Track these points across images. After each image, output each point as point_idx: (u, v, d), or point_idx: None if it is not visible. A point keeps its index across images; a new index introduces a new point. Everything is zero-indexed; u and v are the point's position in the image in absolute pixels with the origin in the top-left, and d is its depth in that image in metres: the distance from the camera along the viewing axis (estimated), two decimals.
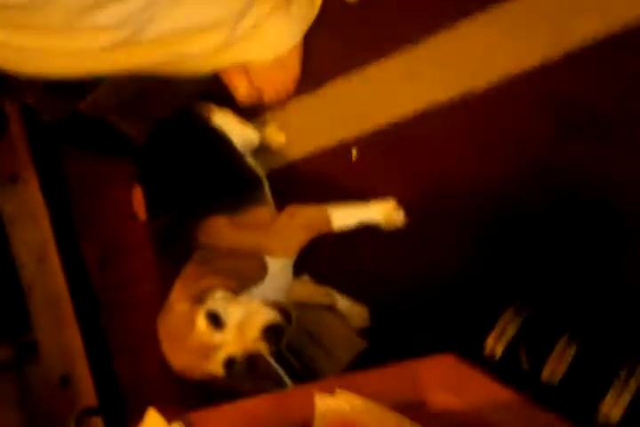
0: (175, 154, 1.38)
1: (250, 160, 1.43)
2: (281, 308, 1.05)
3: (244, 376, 1.04)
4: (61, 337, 1.71)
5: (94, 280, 1.84)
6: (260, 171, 1.43)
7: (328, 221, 1.30)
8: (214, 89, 1.54)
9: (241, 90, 1.54)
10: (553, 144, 1.25)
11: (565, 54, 1.24)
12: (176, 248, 1.20)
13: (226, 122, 1.44)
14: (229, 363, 1.02)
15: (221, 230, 1.20)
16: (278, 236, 1.23)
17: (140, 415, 1.08)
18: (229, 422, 0.99)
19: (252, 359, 1.03)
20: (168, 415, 1.07)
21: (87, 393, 1.67)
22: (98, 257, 1.86)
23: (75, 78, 1.30)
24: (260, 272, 1.18)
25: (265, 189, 1.35)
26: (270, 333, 0.99)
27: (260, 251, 1.19)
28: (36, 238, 1.82)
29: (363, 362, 1.31)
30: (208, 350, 1.02)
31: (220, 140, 1.41)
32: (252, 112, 1.60)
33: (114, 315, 1.80)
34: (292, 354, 1.35)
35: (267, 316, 1.01)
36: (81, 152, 1.80)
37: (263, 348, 1.00)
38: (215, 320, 1.02)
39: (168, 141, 1.42)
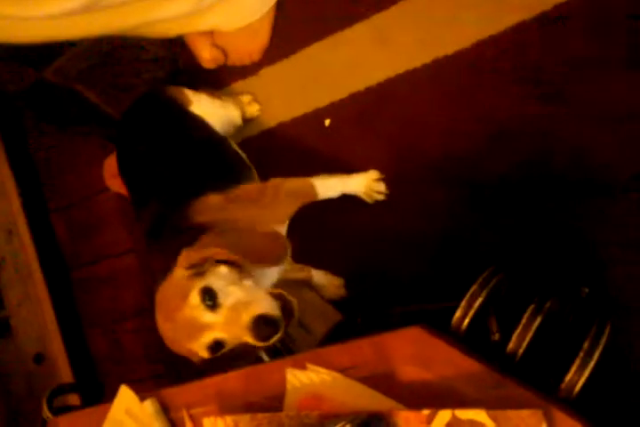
0: (152, 138, 1.34)
1: (234, 144, 1.40)
2: (285, 302, 0.98)
3: (225, 360, 1.00)
4: (34, 313, 1.70)
5: (66, 255, 1.82)
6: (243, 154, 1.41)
7: (313, 192, 1.29)
8: (180, 53, 1.52)
9: (204, 54, 1.51)
10: (523, 110, 1.24)
11: (536, 19, 1.22)
12: (169, 235, 1.15)
13: (204, 107, 1.40)
14: (215, 347, 0.97)
15: (216, 206, 1.16)
16: (267, 207, 1.21)
17: (115, 392, 1.09)
18: (202, 397, 0.99)
19: (241, 348, 0.98)
20: (141, 392, 1.07)
21: (63, 370, 1.67)
22: (69, 231, 1.84)
23: (41, 44, 1.26)
24: (278, 252, 1.11)
25: (253, 172, 1.33)
26: (261, 324, 0.92)
27: (255, 223, 1.15)
28: (4, 211, 1.78)
29: (338, 334, 1.31)
30: (195, 329, 0.96)
31: (200, 124, 1.38)
32: (223, 81, 1.57)
33: (86, 289, 1.79)
34: None
35: (264, 306, 0.94)
36: (49, 124, 1.76)
37: (249, 338, 0.93)
38: (210, 298, 0.95)
39: (143, 125, 1.38)
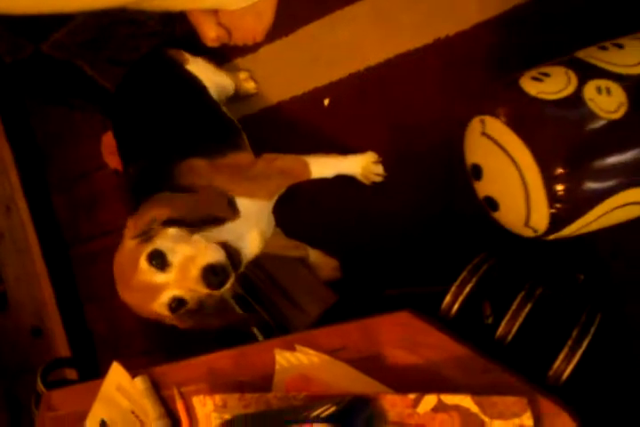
0: (148, 97, 1.32)
1: (225, 109, 1.39)
2: (230, 251, 1.00)
3: (194, 316, 1.01)
4: (32, 287, 1.70)
5: (64, 231, 1.82)
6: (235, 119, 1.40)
7: (306, 170, 1.28)
8: (180, 31, 1.49)
9: (210, 32, 1.48)
10: None
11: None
12: (151, 193, 1.15)
13: (200, 68, 1.39)
14: (177, 305, 0.98)
15: (199, 171, 1.14)
16: (256, 179, 1.19)
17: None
18: (192, 375, 1.00)
19: (204, 301, 1.00)
20: (135, 368, 1.08)
21: (60, 344, 1.68)
22: (68, 207, 1.84)
23: (38, 16, 1.24)
24: (227, 211, 1.10)
25: (243, 136, 1.31)
26: (209, 273, 0.94)
27: (238, 193, 1.13)
28: (3, 187, 1.78)
29: (333, 315, 1.31)
30: (152, 291, 0.98)
31: (195, 86, 1.36)
32: (222, 57, 1.55)
33: (84, 265, 1.79)
34: (262, 306, 1.36)
35: (209, 256, 0.96)
36: (47, 99, 1.75)
37: (202, 289, 0.95)
38: (159, 260, 0.97)
39: (140, 84, 1.36)
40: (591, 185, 0.81)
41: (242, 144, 1.28)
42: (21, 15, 1.21)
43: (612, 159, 0.81)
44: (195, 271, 0.94)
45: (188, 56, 1.39)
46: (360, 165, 1.34)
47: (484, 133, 0.89)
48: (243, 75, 1.53)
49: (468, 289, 0.79)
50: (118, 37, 1.50)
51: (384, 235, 1.37)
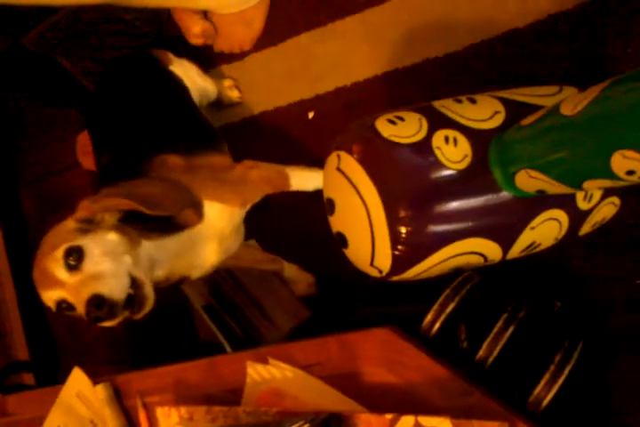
0: (127, 94, 1.29)
1: (205, 113, 1.37)
2: (138, 291, 0.91)
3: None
4: None
5: (31, 230, 1.77)
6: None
7: (286, 180, 1.25)
8: (167, 32, 1.47)
9: (195, 28, 1.46)
10: None
11: (530, 27, 1.20)
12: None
13: (184, 70, 1.36)
14: (65, 307, 0.92)
15: (171, 167, 1.10)
16: (232, 184, 1.15)
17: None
18: (157, 385, 0.96)
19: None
20: (97, 375, 1.04)
21: (19, 346, 1.62)
22: (36, 205, 1.79)
23: (20, 8, 1.21)
24: (190, 214, 1.05)
25: (222, 142, 1.28)
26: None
27: (209, 195, 1.09)
28: None
29: (305, 331, 1.29)
30: (48, 281, 0.92)
31: (176, 87, 1.33)
32: (208, 62, 1.53)
33: None
34: (233, 317, 1.33)
35: (106, 287, 0.88)
36: (22, 95, 1.70)
37: (83, 314, 0.88)
38: (73, 259, 0.90)
39: (120, 81, 1.33)
40: (432, 231, 0.83)
41: (220, 148, 1.25)
42: (5, 5, 1.18)
43: (453, 208, 0.83)
44: (84, 294, 0.88)
45: (172, 57, 1.37)
46: None
47: (338, 169, 0.91)
48: (227, 82, 1.51)
49: (450, 308, 0.78)
50: (103, 35, 1.47)
51: None
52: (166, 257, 1.02)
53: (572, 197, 0.86)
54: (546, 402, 0.71)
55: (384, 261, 0.87)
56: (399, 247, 0.84)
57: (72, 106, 1.54)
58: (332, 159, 0.93)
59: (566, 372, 0.70)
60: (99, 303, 0.86)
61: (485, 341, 0.76)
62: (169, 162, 1.11)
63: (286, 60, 1.48)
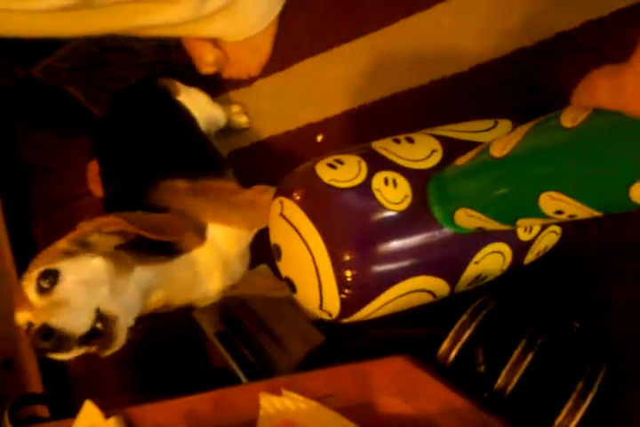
0: (134, 123, 1.30)
1: (213, 142, 1.37)
2: (107, 319, 0.86)
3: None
4: (3, 317, 1.64)
5: None
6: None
7: None
8: (174, 60, 1.48)
9: (208, 56, 1.46)
10: None
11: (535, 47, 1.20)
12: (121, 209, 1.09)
13: (192, 99, 1.37)
14: (37, 330, 0.84)
15: (177, 192, 1.08)
16: (240, 207, 1.13)
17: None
18: (169, 417, 0.94)
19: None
20: (109, 407, 1.02)
21: (32, 378, 1.60)
22: (48, 233, 1.79)
23: (28, 41, 1.23)
24: (190, 237, 1.03)
25: (229, 170, 1.28)
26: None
27: (214, 218, 1.07)
28: None
29: (319, 357, 1.27)
30: (19, 299, 0.88)
31: (184, 117, 1.34)
32: (216, 89, 1.54)
33: None
34: (246, 345, 1.31)
35: (66, 319, 0.83)
36: (32, 125, 1.72)
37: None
38: (46, 282, 0.86)
39: (127, 111, 1.34)
40: (378, 272, 0.82)
41: (227, 174, 1.24)
42: (8, 38, 1.19)
43: (396, 248, 0.82)
44: (39, 321, 0.84)
45: (180, 86, 1.37)
46: None
47: (281, 215, 0.90)
48: (235, 108, 1.51)
49: (466, 335, 0.76)
50: (111, 65, 1.48)
51: None
52: (162, 283, 1.00)
53: (514, 230, 0.86)
54: None
55: (333, 304, 0.86)
56: (346, 291, 0.83)
57: (81, 135, 1.55)
58: (275, 205, 0.92)
59: (589, 400, 0.68)
60: (47, 333, 0.81)
61: (504, 369, 0.74)
62: (174, 186, 1.10)
63: (294, 85, 1.48)
